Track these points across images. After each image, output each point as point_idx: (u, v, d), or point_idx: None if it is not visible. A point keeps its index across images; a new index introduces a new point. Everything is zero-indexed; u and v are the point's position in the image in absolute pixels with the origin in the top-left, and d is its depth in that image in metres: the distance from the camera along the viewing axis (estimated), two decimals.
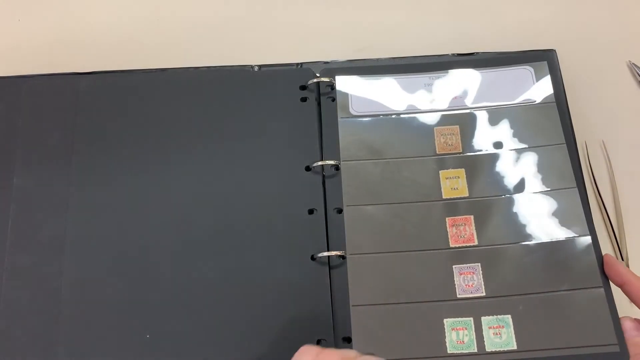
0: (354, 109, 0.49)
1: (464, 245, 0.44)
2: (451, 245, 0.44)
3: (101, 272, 0.44)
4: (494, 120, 0.49)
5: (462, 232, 0.45)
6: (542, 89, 0.50)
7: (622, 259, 0.47)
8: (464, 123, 0.49)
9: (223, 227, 0.46)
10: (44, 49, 0.55)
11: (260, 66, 0.53)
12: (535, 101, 0.49)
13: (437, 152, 0.48)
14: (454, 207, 0.46)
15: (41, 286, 0.44)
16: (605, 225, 0.49)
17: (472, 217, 0.45)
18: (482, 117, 0.49)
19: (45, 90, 0.50)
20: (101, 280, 0.44)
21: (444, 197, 0.46)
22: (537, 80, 0.50)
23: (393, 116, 0.49)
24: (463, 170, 0.47)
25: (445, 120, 0.49)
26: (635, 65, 0.54)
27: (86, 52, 0.55)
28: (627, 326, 0.42)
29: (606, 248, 0.48)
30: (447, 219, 0.45)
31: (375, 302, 0.43)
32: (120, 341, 0.43)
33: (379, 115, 0.49)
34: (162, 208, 0.46)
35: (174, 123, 0.49)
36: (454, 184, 0.46)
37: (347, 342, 0.42)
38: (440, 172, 0.47)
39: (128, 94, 0.50)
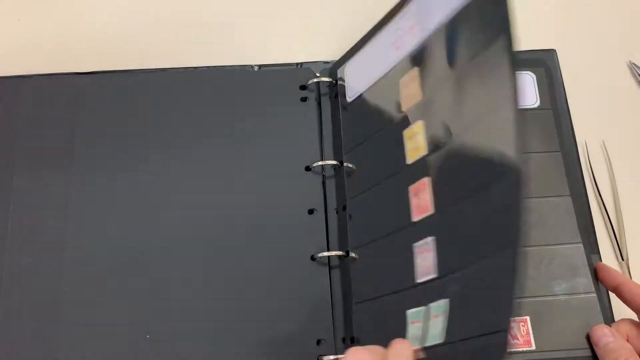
0: (349, 96, 0.48)
1: None
2: None
3: (101, 272, 0.44)
4: None
5: None
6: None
7: (622, 259, 0.47)
8: None
9: (223, 227, 0.46)
10: (44, 49, 0.55)
11: (260, 66, 0.52)
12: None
13: None
14: None
15: (41, 286, 0.44)
16: (605, 225, 0.49)
17: None
18: None
19: (45, 90, 0.50)
20: (101, 280, 0.44)
21: None
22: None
23: (386, 73, 0.46)
24: None
25: None
26: (635, 65, 0.54)
27: (86, 52, 0.55)
28: (598, 334, 0.41)
29: (606, 248, 0.48)
30: None
31: (378, 300, 0.43)
32: (120, 341, 0.43)
33: (371, 85, 0.47)
34: (161, 208, 0.46)
35: (174, 123, 0.49)
36: None
37: (348, 341, 0.42)
38: None
39: (128, 94, 0.50)
